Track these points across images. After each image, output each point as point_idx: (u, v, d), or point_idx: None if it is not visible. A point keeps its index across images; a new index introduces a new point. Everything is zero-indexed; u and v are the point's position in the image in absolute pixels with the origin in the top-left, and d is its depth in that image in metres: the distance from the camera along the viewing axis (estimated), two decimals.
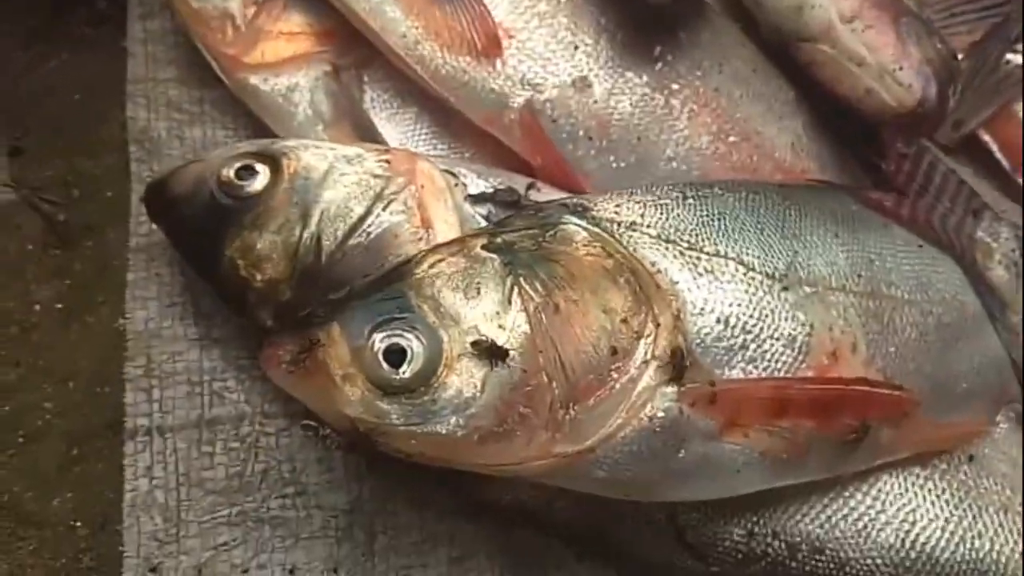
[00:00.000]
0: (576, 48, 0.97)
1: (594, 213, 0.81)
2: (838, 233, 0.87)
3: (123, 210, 1.04)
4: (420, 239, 0.87)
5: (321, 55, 1.03)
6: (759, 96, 1.04)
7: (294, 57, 1.02)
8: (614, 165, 0.97)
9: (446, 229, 0.88)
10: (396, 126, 1.03)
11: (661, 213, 0.82)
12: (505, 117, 0.96)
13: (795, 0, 1.05)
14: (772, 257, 0.82)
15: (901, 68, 1.00)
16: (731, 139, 1.00)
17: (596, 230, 0.79)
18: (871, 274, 0.86)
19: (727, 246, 0.81)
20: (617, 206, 0.82)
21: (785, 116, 1.05)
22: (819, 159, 1.05)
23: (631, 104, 0.98)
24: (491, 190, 0.92)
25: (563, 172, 0.96)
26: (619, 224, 0.80)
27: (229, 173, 0.89)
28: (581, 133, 0.97)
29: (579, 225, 0.79)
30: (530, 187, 0.95)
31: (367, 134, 1.01)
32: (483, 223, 0.89)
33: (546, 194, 0.95)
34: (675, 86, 0.99)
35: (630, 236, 0.80)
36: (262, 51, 1.02)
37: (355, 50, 1.02)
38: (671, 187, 0.85)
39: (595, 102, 0.97)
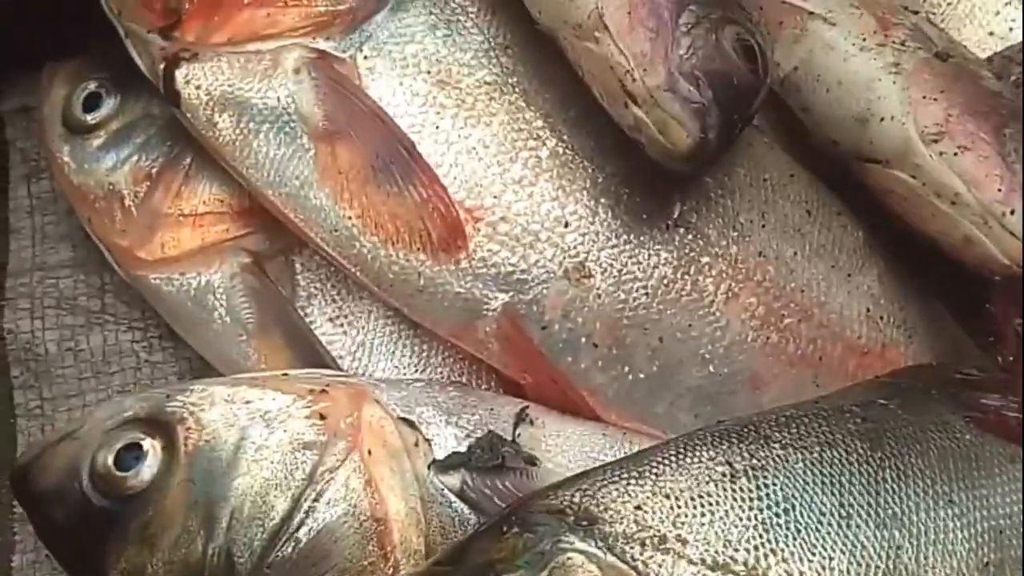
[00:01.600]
0: (567, 224, 0.71)
1: (607, 528, 0.55)
2: (953, 498, 0.61)
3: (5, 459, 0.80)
4: (369, 539, 0.63)
5: (238, 242, 0.78)
6: (819, 250, 0.77)
7: (203, 248, 0.77)
8: (630, 377, 0.72)
9: (403, 519, 0.63)
10: (340, 329, 0.77)
11: (703, 513, 0.56)
12: (478, 329, 0.71)
13: (856, 108, 0.78)
14: (866, 563, 0.57)
15: (1012, 211, 0.72)
16: (786, 321, 0.74)
17: (612, 560, 0.54)
18: (1001, 555, 0.60)
19: (803, 560, 0.55)
20: (639, 508, 0.56)
21: (855, 271, 0.78)
22: (904, 323, 0.78)
23: (647, 293, 0.71)
24: (465, 447, 0.67)
25: (562, 391, 0.71)
26: (644, 543, 0.55)
27: (107, 460, 0.65)
28: (583, 340, 0.71)
29: (587, 554, 0.54)
30: (521, 419, 0.70)
31: (302, 345, 0.76)
32: (453, 503, 0.65)
33: (541, 428, 0.70)
34: (704, 259, 0.73)
35: (662, 563, 0.54)
36: (161, 242, 0.77)
37: (282, 230, 0.77)
38: (712, 452, 0.59)
39: (598, 296, 0.71)
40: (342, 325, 0.77)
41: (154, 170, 0.79)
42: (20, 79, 0.93)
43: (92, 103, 0.81)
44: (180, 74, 0.72)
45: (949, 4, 0.97)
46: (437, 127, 0.71)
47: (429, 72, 0.72)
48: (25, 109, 0.92)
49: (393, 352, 0.77)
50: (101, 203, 0.79)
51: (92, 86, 0.81)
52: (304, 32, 0.72)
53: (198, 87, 0.72)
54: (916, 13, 0.92)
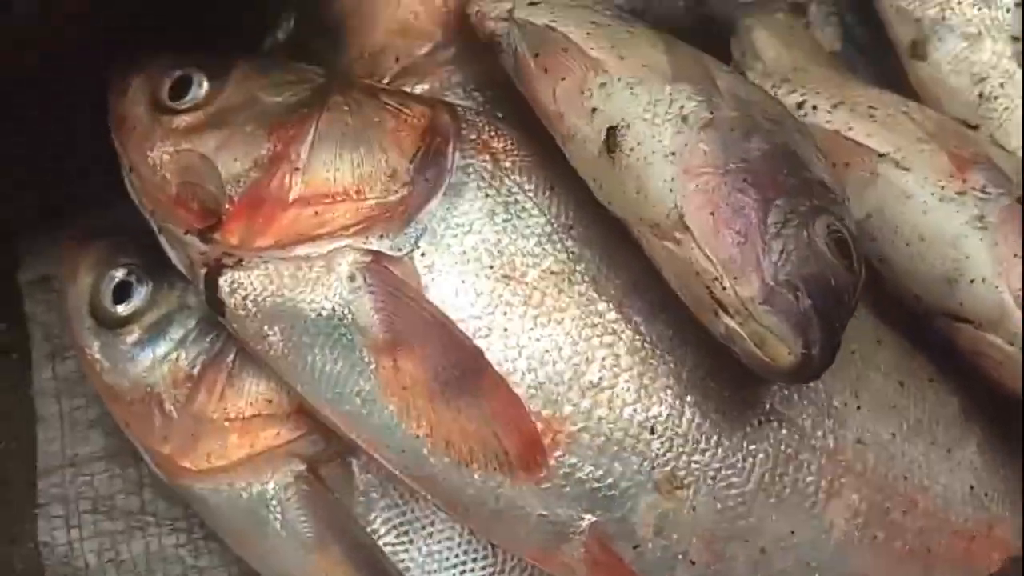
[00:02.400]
0: (652, 430, 0.65)
1: None
2: None
3: None
4: None
5: (290, 447, 0.72)
6: (916, 427, 0.71)
7: (252, 456, 0.72)
8: None
9: None
10: (406, 538, 0.72)
11: None
12: (564, 553, 0.65)
13: (942, 267, 0.73)
14: None
15: None
16: (891, 515, 0.69)
17: None
18: None
19: None
20: None
21: (954, 445, 0.73)
22: (1008, 495, 0.73)
23: (743, 500, 0.66)
24: None
25: None
26: None
27: None
28: (679, 557, 0.65)
29: None
30: None
31: (365, 559, 0.70)
32: None
33: None
34: (803, 454, 0.67)
35: None
36: (207, 451, 0.72)
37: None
38: None
39: (693, 508, 0.65)
40: (407, 534, 0.71)
41: (195, 370, 0.73)
42: (38, 246, 0.87)
43: (122, 293, 0.75)
44: (224, 282, 0.67)
45: (1007, 109, 0.93)
46: (505, 330, 0.65)
47: (492, 267, 0.66)
48: (45, 279, 0.87)
49: (465, 564, 0.71)
50: (138, 407, 0.73)
51: (121, 274, 0.76)
52: (356, 231, 0.66)
53: (244, 297, 0.66)
54: (976, 127, 0.88)
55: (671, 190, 0.61)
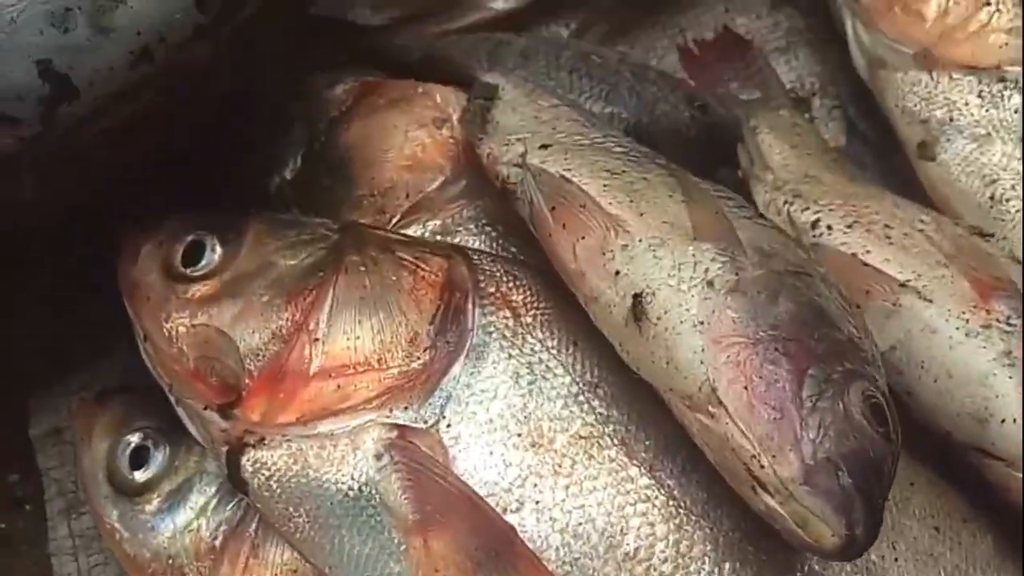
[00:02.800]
0: None
1: None
2: None
3: None
4: None
5: None
6: (954, 575, 0.70)
7: None
8: None
9: None
10: None
11: None
12: None
13: (972, 406, 0.72)
14: None
15: None
16: None
17: None
18: None
19: None
20: None
21: None
22: None
23: None
24: None
25: None
26: None
27: None
28: None
29: None
30: None
31: None
32: None
33: None
34: None
35: None
36: None
37: None
38: None
39: None
40: None
41: (217, 541, 0.71)
42: (49, 398, 0.86)
43: (139, 459, 0.74)
44: (246, 462, 0.65)
45: (1019, 211, 0.92)
46: (537, 503, 0.64)
47: (520, 435, 0.65)
48: (56, 431, 0.85)
49: None
50: None
51: (137, 439, 0.74)
52: (379, 403, 0.65)
53: (268, 477, 0.64)
54: (991, 236, 0.87)
55: (701, 362, 0.60)
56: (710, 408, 0.59)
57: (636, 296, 0.63)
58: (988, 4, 0.95)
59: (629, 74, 0.99)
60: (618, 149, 0.76)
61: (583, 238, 0.67)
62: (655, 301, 0.62)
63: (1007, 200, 0.90)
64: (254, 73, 0.75)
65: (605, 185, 0.69)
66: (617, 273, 0.65)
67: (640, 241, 0.65)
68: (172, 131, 0.70)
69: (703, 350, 0.60)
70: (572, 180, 0.70)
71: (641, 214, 0.67)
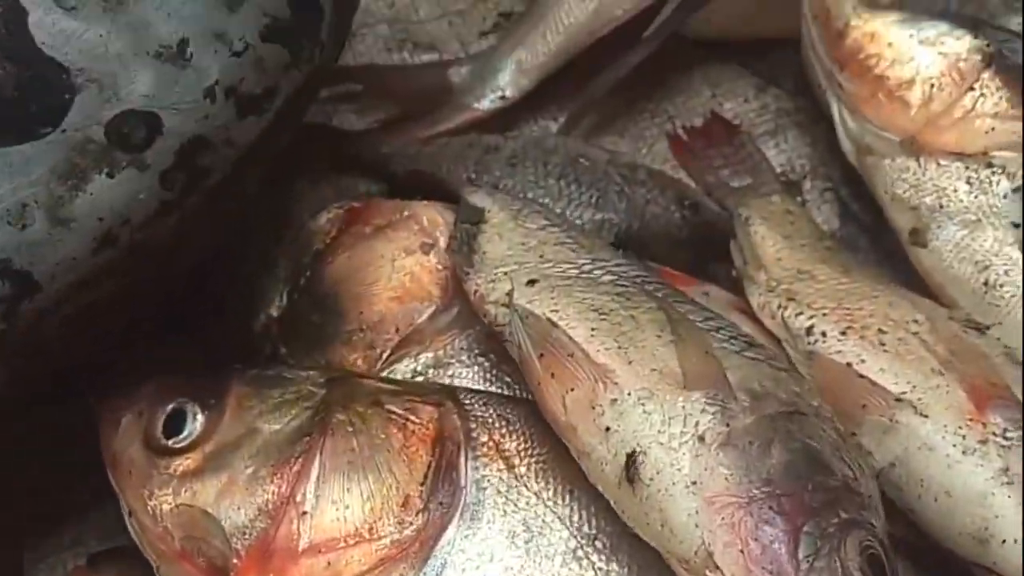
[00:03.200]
0: None
1: None
2: None
3: None
4: None
5: None
6: None
7: None
8: None
9: None
10: None
11: None
12: None
13: (972, 526, 0.70)
14: None
15: None
16: None
17: None
18: None
19: None
20: None
21: None
22: None
23: None
24: None
25: None
26: None
27: None
28: None
29: None
30: None
31: None
32: None
33: None
34: None
35: None
36: None
37: None
38: None
39: None
40: None
41: None
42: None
43: None
44: None
45: (1013, 297, 0.90)
46: None
47: None
48: None
49: None
50: None
51: None
52: None
53: None
54: (987, 329, 0.85)
55: (696, 525, 0.59)
56: (708, 573, 0.58)
57: (629, 456, 0.62)
58: (972, 89, 0.93)
59: (618, 177, 0.98)
60: (607, 278, 0.75)
61: (572, 390, 0.65)
62: (647, 461, 0.61)
63: (1001, 286, 0.89)
64: (230, 227, 0.74)
65: (593, 329, 0.68)
66: (607, 429, 0.63)
67: (629, 395, 0.64)
68: (141, 306, 0.69)
69: (697, 512, 0.59)
70: (559, 324, 0.69)
71: (630, 362, 0.65)
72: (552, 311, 0.70)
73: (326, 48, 0.72)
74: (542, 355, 0.68)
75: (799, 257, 0.92)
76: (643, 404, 0.63)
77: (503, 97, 1.08)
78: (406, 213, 0.89)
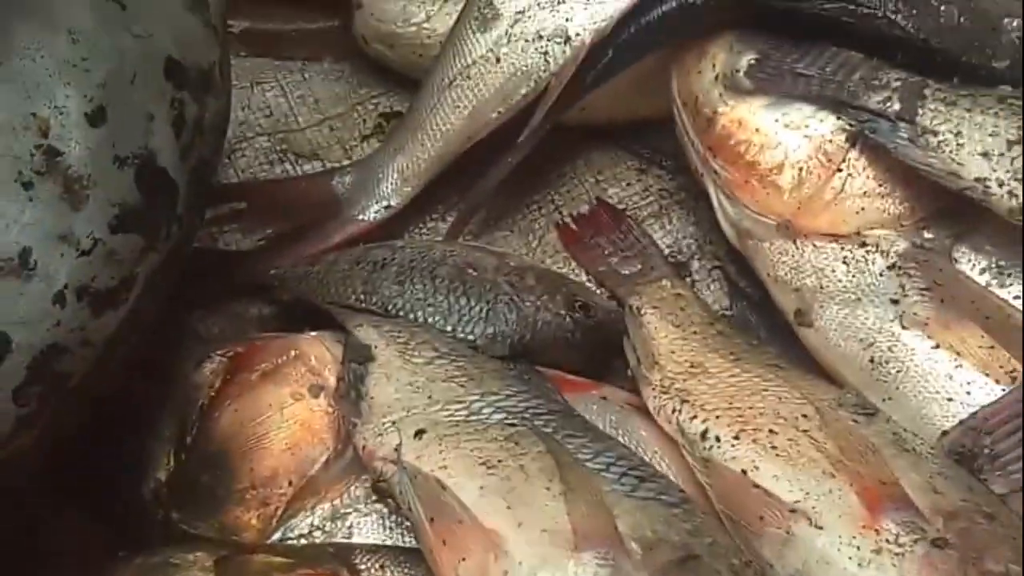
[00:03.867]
0: None
1: None
2: None
3: None
4: None
5: None
6: None
7: None
8: None
9: None
10: None
11: None
12: None
13: None
14: None
15: None
16: None
17: None
18: None
19: None
20: None
21: None
22: None
23: None
24: None
25: None
26: None
27: None
28: None
29: None
30: None
31: None
32: None
33: None
34: None
35: None
36: None
37: None
38: None
39: None
40: None
41: None
42: None
43: None
44: None
45: (899, 372, 0.90)
46: None
47: None
48: None
49: None
50: None
51: None
52: None
53: None
54: (875, 414, 0.85)
55: None
56: None
57: None
58: (840, 170, 0.94)
59: (507, 286, 0.97)
60: (496, 417, 0.74)
61: (464, 560, 0.64)
62: None
63: (886, 362, 0.89)
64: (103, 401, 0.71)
65: (481, 487, 0.66)
66: None
67: (521, 564, 0.62)
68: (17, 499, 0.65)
69: None
70: (448, 484, 0.67)
71: (520, 524, 0.64)
72: (441, 467, 0.68)
73: (186, 220, 0.69)
74: (433, 520, 0.66)
75: (691, 348, 0.92)
76: (535, 573, 0.61)
77: (388, 207, 1.07)
78: (293, 353, 0.87)
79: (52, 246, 0.58)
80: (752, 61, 0.97)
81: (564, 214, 1.10)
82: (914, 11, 0.96)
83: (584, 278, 1.07)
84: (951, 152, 0.88)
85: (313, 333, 0.89)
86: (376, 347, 0.81)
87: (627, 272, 1.05)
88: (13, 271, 0.57)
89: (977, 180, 0.87)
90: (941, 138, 0.89)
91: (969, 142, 0.88)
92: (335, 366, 0.83)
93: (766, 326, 1.04)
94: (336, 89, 1.20)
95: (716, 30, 1.01)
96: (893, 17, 0.96)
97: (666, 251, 1.08)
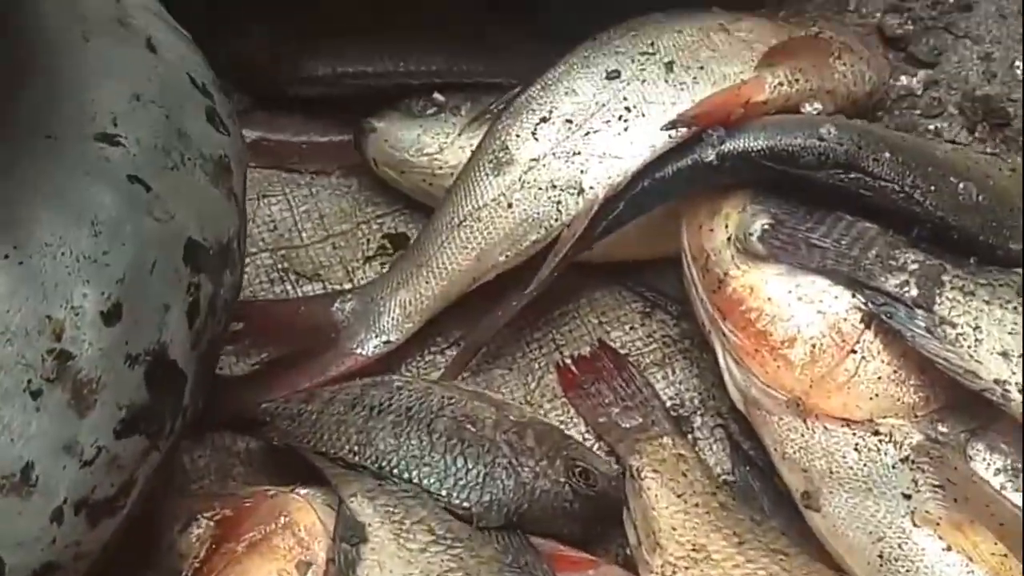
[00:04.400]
0: None
1: None
2: None
3: None
4: None
5: None
6: None
7: None
8: None
9: None
10: None
11: None
12: None
13: None
14: None
15: None
16: None
17: None
18: None
19: None
20: None
21: None
22: None
23: None
24: None
25: None
26: None
27: None
28: None
29: None
30: None
31: None
32: None
33: None
34: None
35: None
36: None
37: None
38: None
39: None
40: None
41: None
42: None
43: None
44: None
45: (909, 573, 0.87)
46: None
47: None
48: None
49: None
50: None
51: None
52: None
53: None
54: None
55: None
56: None
57: None
58: (854, 351, 0.92)
59: (506, 446, 0.93)
60: None
61: None
62: None
63: (895, 559, 0.86)
64: None
65: None
66: None
67: None
68: None
69: None
70: None
71: None
72: None
73: (191, 409, 0.65)
74: None
75: (693, 525, 0.89)
76: None
77: (387, 342, 1.03)
78: (282, 520, 0.82)
79: (55, 459, 0.54)
80: (766, 226, 0.95)
81: (565, 354, 1.07)
82: (932, 187, 0.94)
83: (583, 427, 1.03)
84: (969, 348, 0.86)
85: (303, 491, 0.85)
86: (370, 525, 0.78)
87: (628, 425, 1.02)
88: (14, 488, 0.52)
89: (996, 382, 0.85)
90: (960, 331, 0.87)
91: (988, 339, 0.86)
92: (325, 540, 0.80)
93: (770, 495, 1.01)
94: (342, 204, 1.17)
95: (730, 187, 0.99)
96: (911, 192, 0.94)
97: (668, 403, 1.05)
